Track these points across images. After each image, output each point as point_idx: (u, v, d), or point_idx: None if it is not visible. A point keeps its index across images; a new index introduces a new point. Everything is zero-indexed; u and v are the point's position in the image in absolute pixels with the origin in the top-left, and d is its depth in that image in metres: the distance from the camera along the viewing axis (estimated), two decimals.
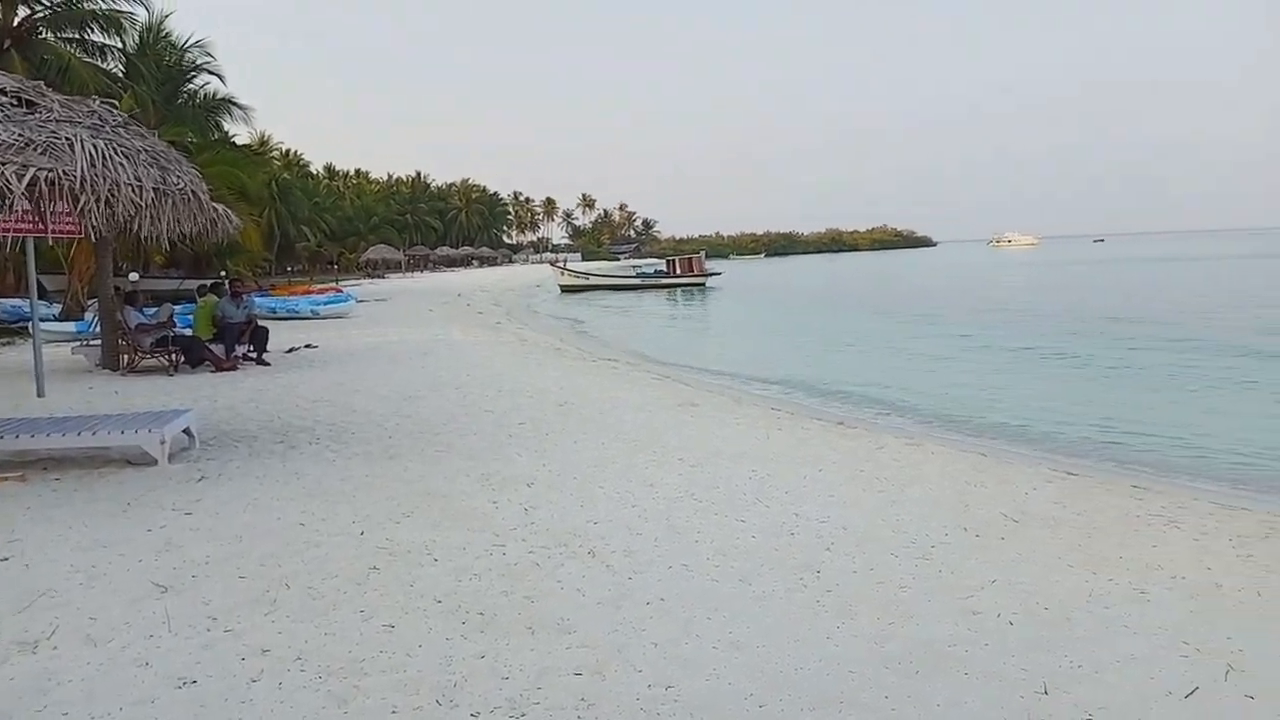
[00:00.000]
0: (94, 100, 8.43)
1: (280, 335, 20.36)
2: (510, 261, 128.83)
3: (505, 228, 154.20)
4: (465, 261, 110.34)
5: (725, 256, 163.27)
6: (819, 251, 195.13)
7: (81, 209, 7.10)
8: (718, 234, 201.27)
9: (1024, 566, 5.89)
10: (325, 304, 30.21)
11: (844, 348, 24.17)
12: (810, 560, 5.98)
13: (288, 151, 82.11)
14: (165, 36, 32.69)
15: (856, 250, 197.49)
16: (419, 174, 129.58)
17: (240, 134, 43.21)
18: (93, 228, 7.61)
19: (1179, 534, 6.77)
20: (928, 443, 10.71)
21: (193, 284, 24.68)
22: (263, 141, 62.40)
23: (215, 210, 8.76)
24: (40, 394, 12.69)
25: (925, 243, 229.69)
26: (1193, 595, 5.39)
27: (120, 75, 29.20)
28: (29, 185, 6.67)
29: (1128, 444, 11.51)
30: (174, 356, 16.06)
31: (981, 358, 20.96)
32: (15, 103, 7.45)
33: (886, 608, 5.11)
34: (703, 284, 61.60)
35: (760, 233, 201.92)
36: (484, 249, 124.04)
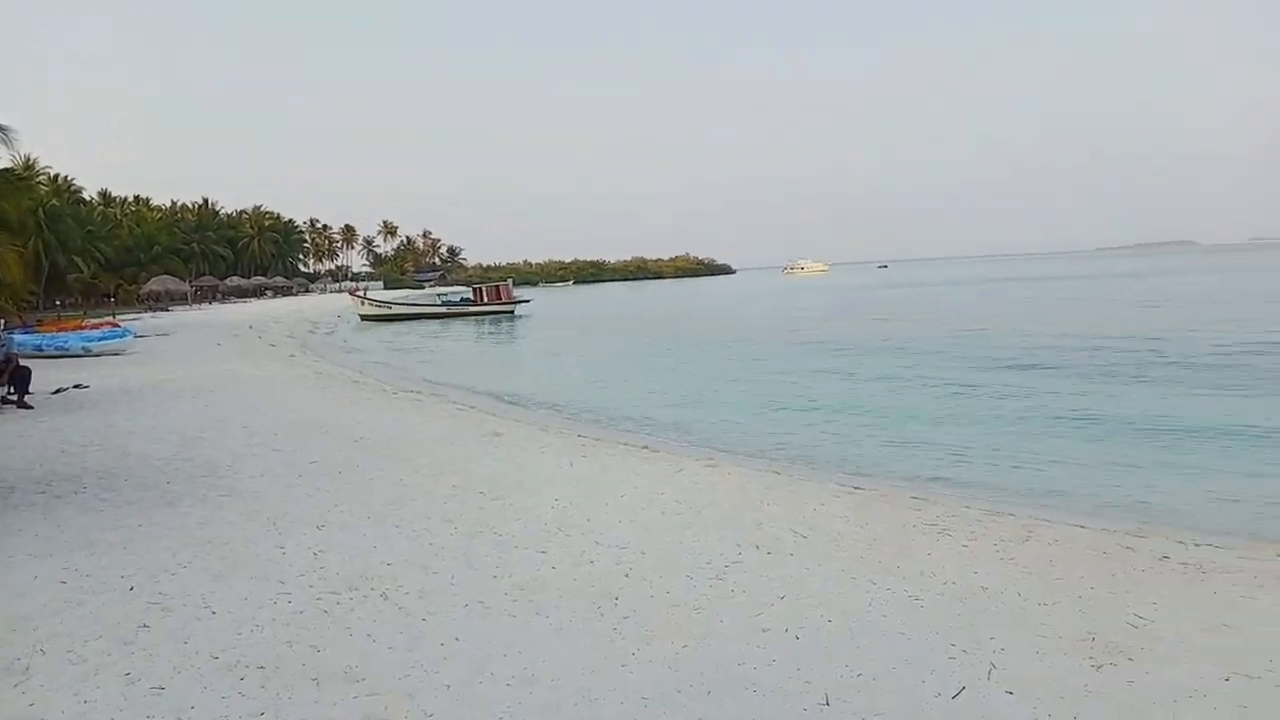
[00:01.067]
0: None
1: (47, 375, 18.69)
2: (307, 291, 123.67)
3: (301, 256, 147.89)
4: (258, 292, 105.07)
5: (534, 284, 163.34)
6: (625, 279, 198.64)
7: None
8: (526, 261, 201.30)
9: (811, 580, 6.13)
10: (99, 340, 27.93)
11: (652, 373, 24.60)
12: (609, 588, 6.00)
13: (57, 177, 75.77)
14: None
15: (661, 278, 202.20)
16: (206, 200, 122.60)
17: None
18: None
19: (950, 541, 7.25)
20: (726, 464, 11.02)
21: None
22: (28, 166, 57.23)
23: None
24: None
25: (725, 270, 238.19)
26: (961, 599, 5.77)
27: None
28: None
29: (914, 457, 12.23)
30: None
31: (778, 379, 21.81)
32: None
33: (681, 631, 5.19)
34: (511, 312, 61.28)
35: (568, 260, 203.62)
36: (278, 278, 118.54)
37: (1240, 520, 8.65)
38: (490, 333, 47.16)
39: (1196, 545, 7.45)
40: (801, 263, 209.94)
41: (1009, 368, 20.71)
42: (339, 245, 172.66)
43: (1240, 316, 30.70)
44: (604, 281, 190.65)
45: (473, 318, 59.23)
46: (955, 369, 20.99)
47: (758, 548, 6.95)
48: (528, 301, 66.15)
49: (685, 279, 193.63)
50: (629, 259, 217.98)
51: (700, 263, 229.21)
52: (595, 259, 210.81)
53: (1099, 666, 4.67)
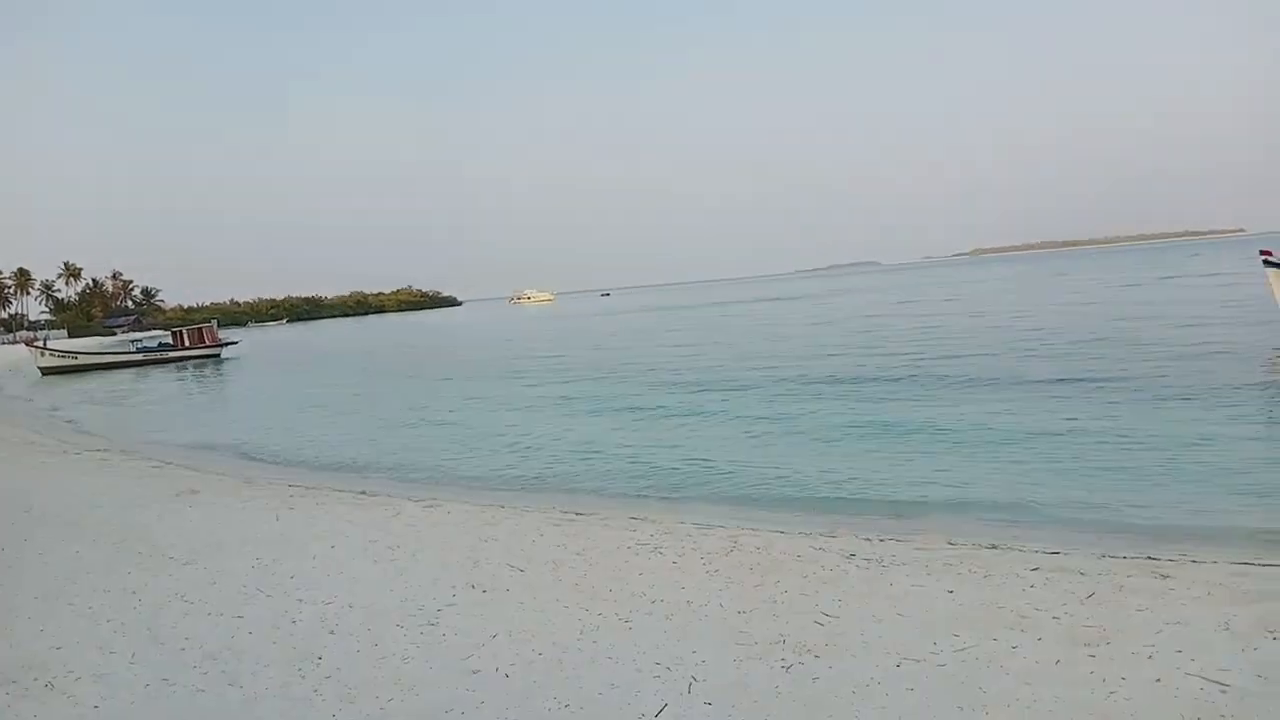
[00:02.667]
0: None
1: None
2: None
3: None
4: None
5: (243, 324, 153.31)
6: (345, 314, 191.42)
7: None
8: (232, 300, 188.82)
9: (525, 614, 6.12)
10: None
11: (372, 412, 23.73)
12: (312, 648, 5.68)
13: None
14: None
15: (384, 312, 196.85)
16: None
17: None
18: None
19: (661, 559, 7.50)
20: (447, 503, 10.81)
21: None
22: None
23: None
24: None
25: (451, 302, 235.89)
26: (668, 616, 5.98)
27: None
28: None
29: (637, 477, 12.56)
30: None
31: (500, 410, 21.76)
32: None
33: (388, 684, 5.00)
34: (217, 355, 57.17)
35: (281, 298, 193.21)
36: None
37: (925, 511, 9.59)
38: (193, 379, 43.64)
39: (881, 540, 8.17)
40: (527, 292, 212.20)
41: (705, 390, 21.88)
42: (10, 291, 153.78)
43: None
44: (322, 318, 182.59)
45: (174, 364, 54.65)
46: (666, 391, 21.89)
47: (473, 587, 6.85)
48: (235, 343, 62.00)
49: (409, 312, 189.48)
50: (348, 294, 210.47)
51: (424, 295, 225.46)
52: (311, 295, 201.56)
53: (789, 667, 4.99)
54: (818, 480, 11.30)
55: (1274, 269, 21.66)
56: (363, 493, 11.95)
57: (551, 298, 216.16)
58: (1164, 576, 6.47)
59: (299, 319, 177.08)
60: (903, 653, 5.13)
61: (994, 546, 7.78)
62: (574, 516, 9.66)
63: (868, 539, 8.30)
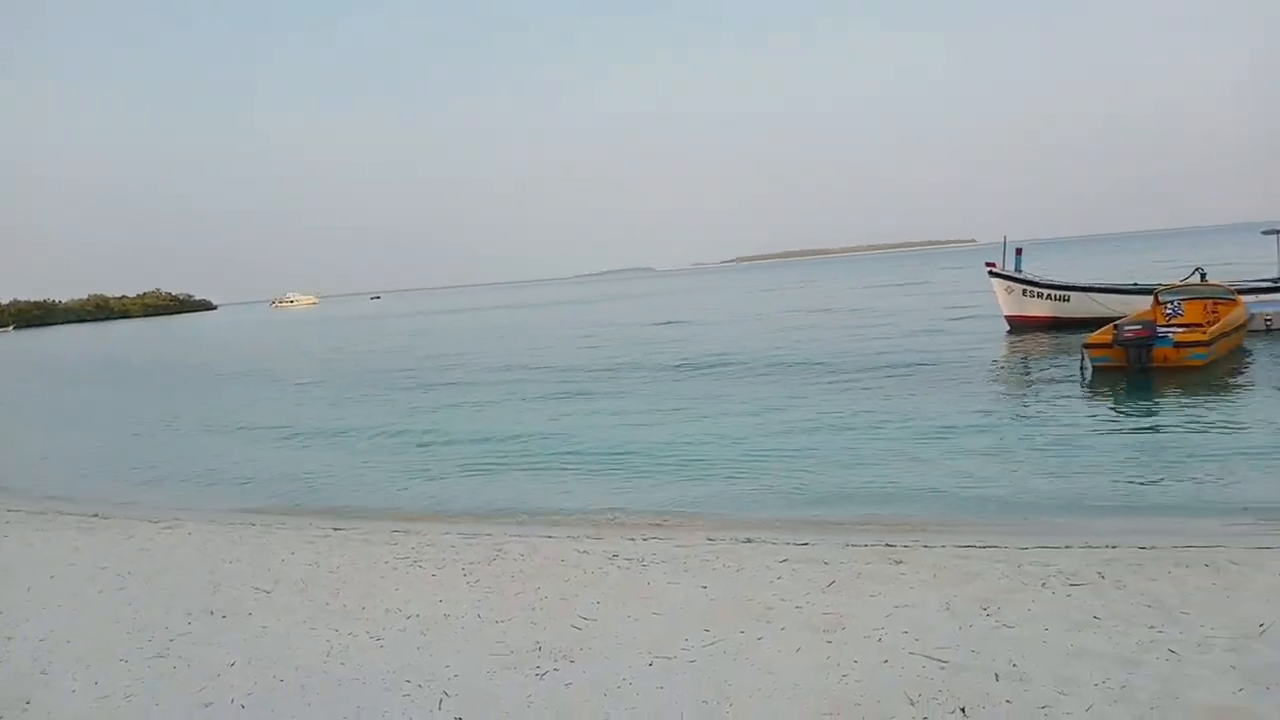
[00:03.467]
0: None
1: None
2: None
3: None
4: None
5: None
6: (83, 320, 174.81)
7: None
8: None
9: (267, 639, 5.75)
10: None
11: (120, 427, 21.71)
12: (20, 692, 5.09)
13: None
14: None
15: (129, 317, 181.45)
16: None
17: None
18: None
19: (420, 572, 7.28)
20: (190, 523, 10.05)
21: None
22: None
23: None
24: None
25: (205, 306, 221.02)
26: (423, 631, 5.79)
27: None
28: None
29: (407, 486, 12.14)
30: None
31: (272, 417, 20.52)
32: None
33: None
34: None
35: (6, 302, 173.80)
36: None
37: (692, 506, 9.85)
38: None
39: (644, 540, 8.32)
40: (291, 296, 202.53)
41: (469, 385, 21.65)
42: None
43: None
44: (55, 324, 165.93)
45: None
46: (433, 395, 21.44)
47: (212, 612, 6.37)
48: None
49: (158, 317, 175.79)
50: (86, 297, 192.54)
51: (175, 299, 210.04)
52: (42, 299, 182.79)
53: (543, 674, 4.95)
54: (589, 486, 11.39)
55: (998, 279, 24.03)
56: (95, 515, 10.91)
57: (316, 301, 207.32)
58: (898, 562, 6.95)
59: (27, 326, 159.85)
60: (655, 651, 5.21)
61: (749, 541, 8.10)
62: (330, 532, 9.23)
63: (632, 539, 8.42)
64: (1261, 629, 4.84)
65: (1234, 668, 4.39)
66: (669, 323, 41.66)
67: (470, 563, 7.52)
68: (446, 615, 6.08)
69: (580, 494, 10.95)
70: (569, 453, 13.43)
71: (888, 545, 7.63)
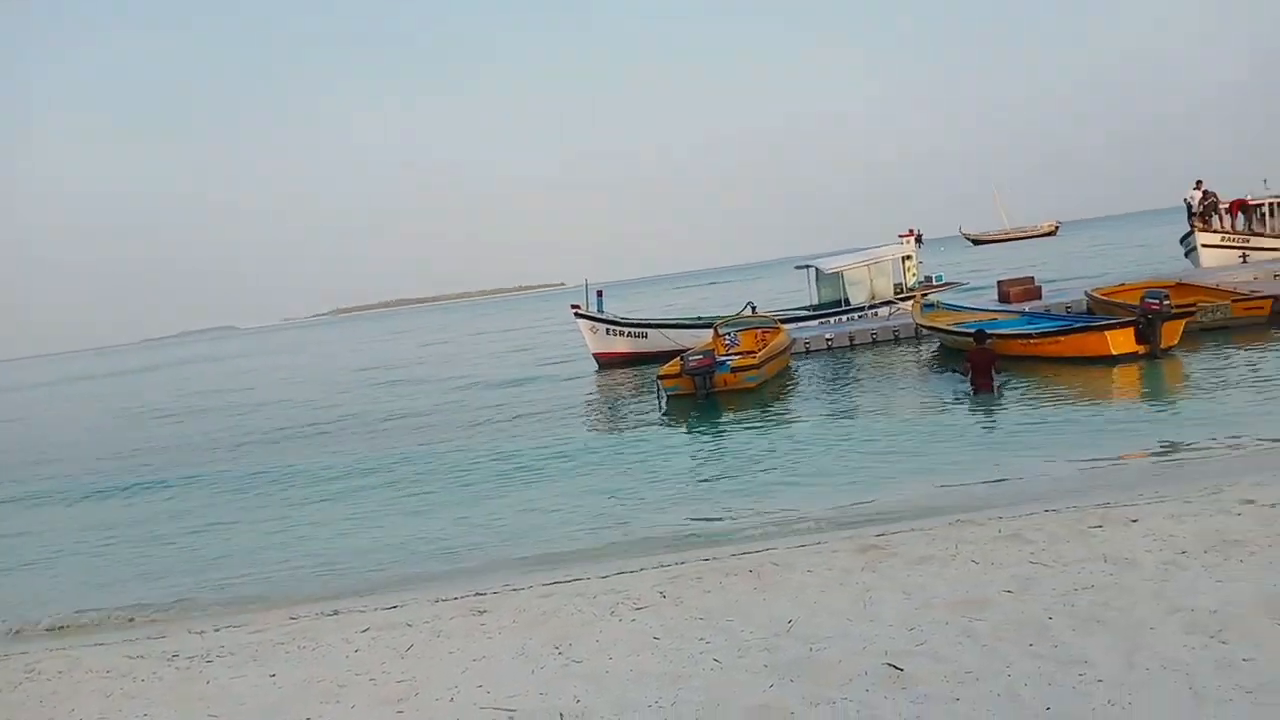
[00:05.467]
0: None
1: None
2: None
3: None
4: None
5: None
6: None
7: None
8: None
9: None
10: None
11: None
12: None
13: None
14: None
15: None
16: None
17: None
18: None
19: None
20: None
21: None
22: None
23: None
24: None
25: None
26: None
27: None
28: None
29: None
30: None
31: None
32: None
33: None
34: None
35: None
36: None
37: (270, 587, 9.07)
38: None
39: (216, 631, 7.53)
40: None
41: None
42: None
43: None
44: None
45: None
46: None
47: None
48: None
49: None
50: None
51: None
52: None
53: None
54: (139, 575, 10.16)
55: (583, 320, 25.30)
56: None
57: None
58: (481, 612, 6.89)
59: None
60: None
61: (335, 613, 7.65)
62: None
63: (201, 631, 7.61)
64: (790, 624, 5.38)
65: (766, 666, 4.81)
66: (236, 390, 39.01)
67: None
68: None
69: (136, 588, 9.76)
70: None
71: (477, 595, 7.58)
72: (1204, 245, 25.15)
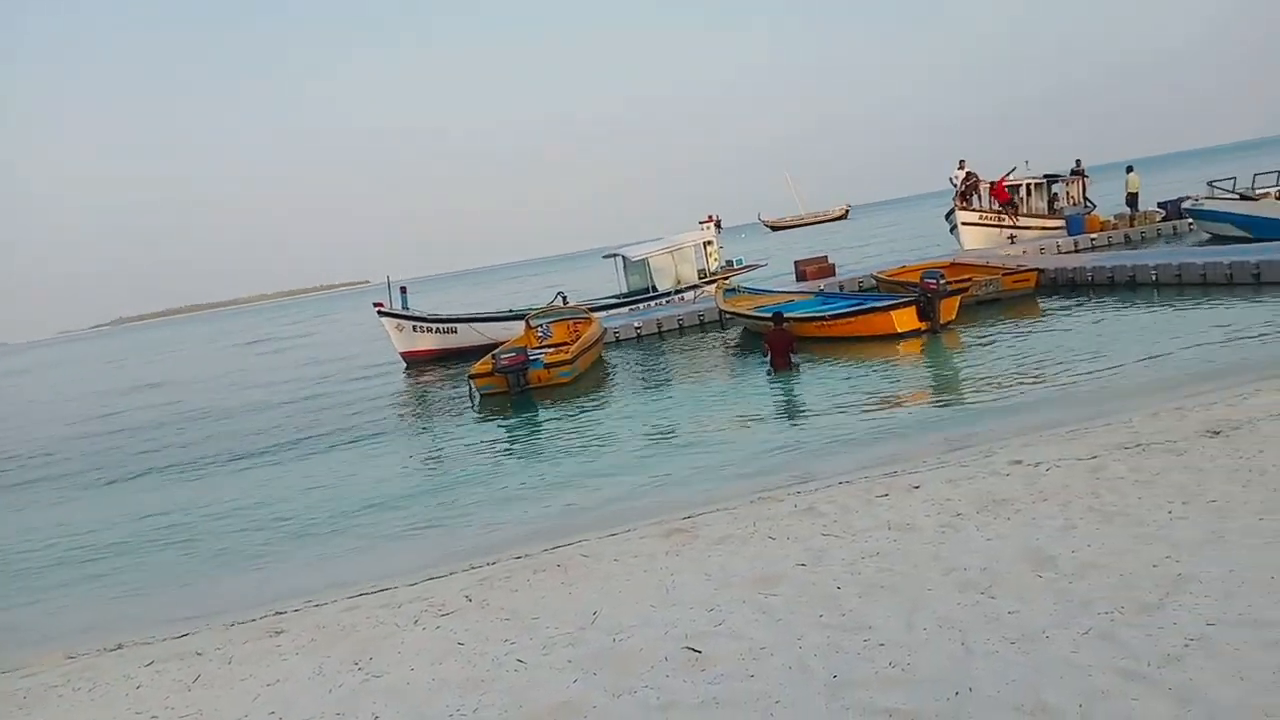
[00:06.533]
0: None
1: None
2: None
3: None
4: None
5: None
6: None
7: None
8: None
9: None
10: None
11: None
12: None
13: None
14: None
15: None
16: None
17: None
18: None
19: None
20: None
21: None
22: None
23: None
24: None
25: None
26: None
27: None
28: None
29: None
30: None
31: None
32: None
33: None
34: None
35: None
36: None
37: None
38: None
39: None
40: None
41: None
42: None
43: None
44: None
45: None
46: None
47: None
48: None
49: None
50: None
51: None
52: None
53: None
54: None
55: (388, 318, 24.53)
56: None
57: None
58: (278, 633, 6.56)
59: None
60: None
61: (119, 648, 7.09)
62: None
63: None
64: (595, 616, 5.39)
65: (570, 661, 4.80)
66: None
67: None
68: None
69: None
70: None
71: (276, 614, 7.21)
72: (964, 224, 27.00)
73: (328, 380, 25.89)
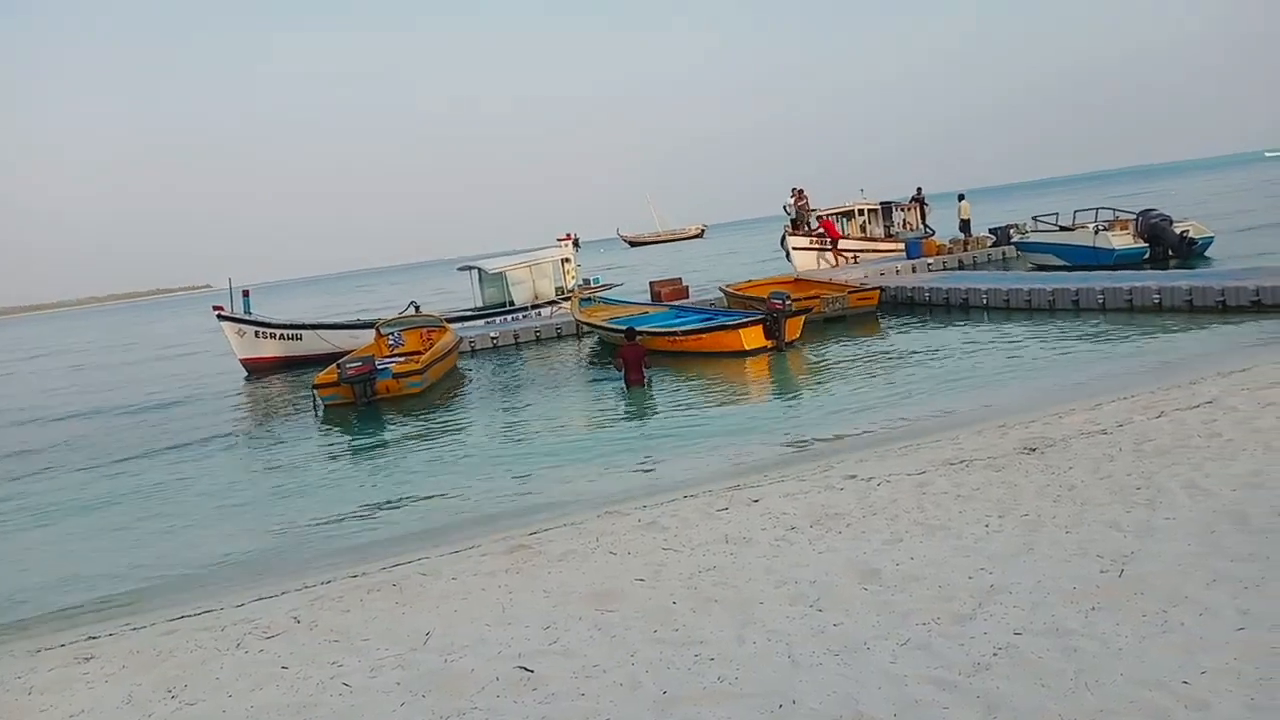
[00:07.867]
0: None
1: None
2: None
3: None
4: None
5: None
6: None
7: None
8: None
9: None
10: None
11: None
12: None
13: None
14: None
15: None
16: None
17: None
18: None
19: None
20: None
21: None
22: None
23: None
24: None
25: None
26: None
27: None
28: None
29: None
30: None
31: None
32: None
33: None
34: None
35: None
36: None
37: None
38: None
39: None
40: None
41: None
42: None
43: None
44: None
45: None
46: None
47: None
48: None
49: None
50: None
51: None
52: None
53: None
54: None
55: (228, 322, 23.43)
56: None
57: None
58: (88, 659, 6.10)
59: None
60: None
61: None
62: None
63: None
64: (427, 637, 5.25)
65: (399, 684, 4.65)
66: None
67: None
68: None
69: None
70: None
71: (89, 639, 6.71)
72: (794, 248, 28.11)
73: (158, 389, 24.48)
